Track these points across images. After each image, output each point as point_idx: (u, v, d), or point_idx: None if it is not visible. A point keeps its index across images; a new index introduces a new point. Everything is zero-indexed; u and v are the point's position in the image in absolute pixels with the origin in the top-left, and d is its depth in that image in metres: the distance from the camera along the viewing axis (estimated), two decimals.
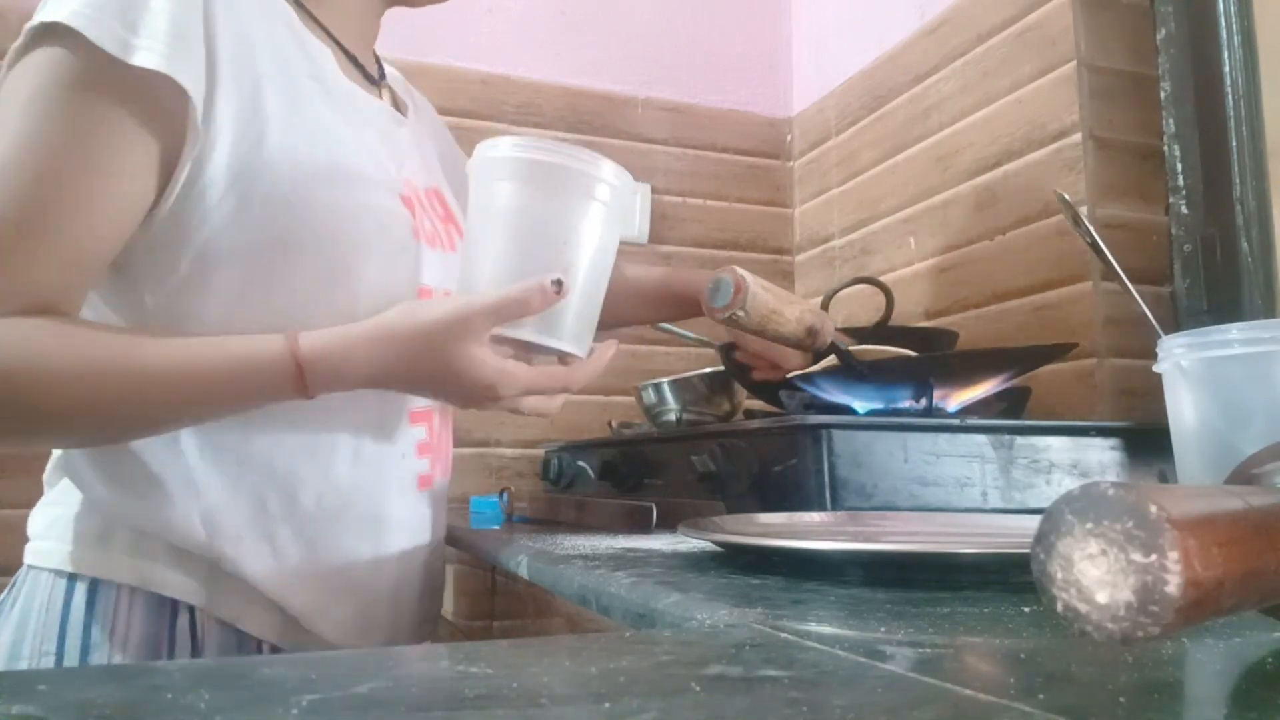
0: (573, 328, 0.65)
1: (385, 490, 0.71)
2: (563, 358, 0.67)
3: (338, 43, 0.74)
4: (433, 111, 0.96)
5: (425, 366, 0.62)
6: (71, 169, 0.57)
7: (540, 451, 1.38)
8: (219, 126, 0.60)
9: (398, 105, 0.84)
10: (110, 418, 0.59)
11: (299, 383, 0.60)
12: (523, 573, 0.65)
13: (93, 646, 0.62)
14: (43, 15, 0.56)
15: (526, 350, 0.66)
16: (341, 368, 0.61)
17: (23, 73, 0.57)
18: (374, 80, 0.80)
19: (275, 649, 0.67)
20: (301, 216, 0.64)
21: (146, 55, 0.56)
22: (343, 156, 0.67)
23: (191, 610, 0.64)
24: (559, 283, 0.61)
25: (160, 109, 0.58)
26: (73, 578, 0.64)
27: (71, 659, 0.62)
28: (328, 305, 0.65)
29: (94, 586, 0.64)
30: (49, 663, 0.62)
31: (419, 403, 0.74)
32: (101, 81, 0.57)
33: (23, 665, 0.63)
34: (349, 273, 0.66)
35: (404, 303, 0.64)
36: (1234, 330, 0.58)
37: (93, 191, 0.57)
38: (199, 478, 0.64)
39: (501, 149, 0.64)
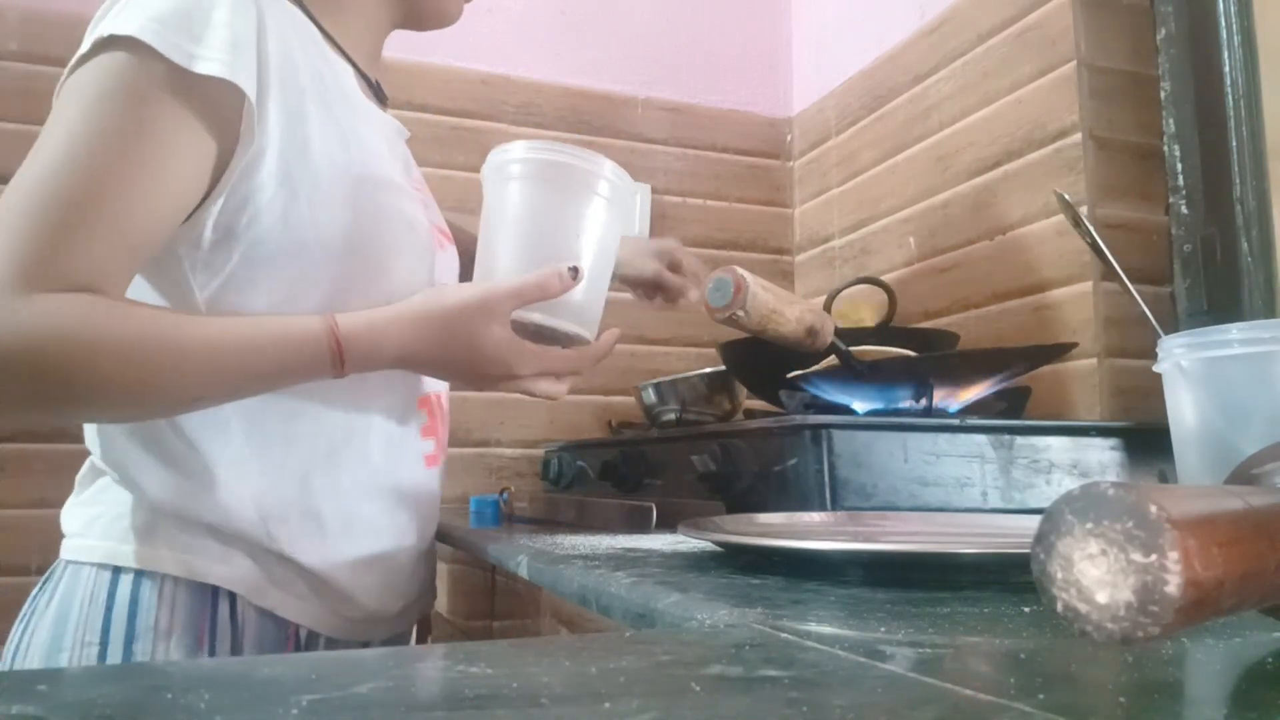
0: (582, 314, 0.71)
1: (405, 468, 0.76)
2: (569, 343, 0.72)
3: (352, 62, 0.80)
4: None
5: (450, 346, 0.67)
6: (130, 160, 0.60)
7: (540, 451, 1.38)
8: (269, 132, 0.65)
9: None
10: (151, 388, 0.61)
11: (336, 359, 0.64)
12: (523, 573, 0.65)
13: (137, 636, 0.65)
14: (111, 27, 0.61)
15: (537, 337, 0.70)
16: (375, 347, 0.66)
17: (88, 75, 0.61)
18: (382, 98, 0.85)
19: (312, 635, 0.71)
20: (343, 218, 0.69)
21: (210, 64, 0.61)
22: (374, 163, 0.73)
23: (232, 599, 0.67)
24: (575, 270, 0.67)
25: (219, 113, 0.63)
26: (117, 571, 0.67)
27: (115, 649, 0.65)
28: (364, 303, 0.69)
29: (138, 579, 0.66)
30: (92, 653, 0.65)
31: (424, 388, 0.79)
32: (165, 87, 0.61)
33: (64, 658, 0.65)
34: (383, 271, 0.71)
35: (430, 288, 0.70)
36: (1234, 330, 0.58)
37: (148, 183, 0.61)
38: (248, 462, 0.68)
39: (515, 152, 0.70)
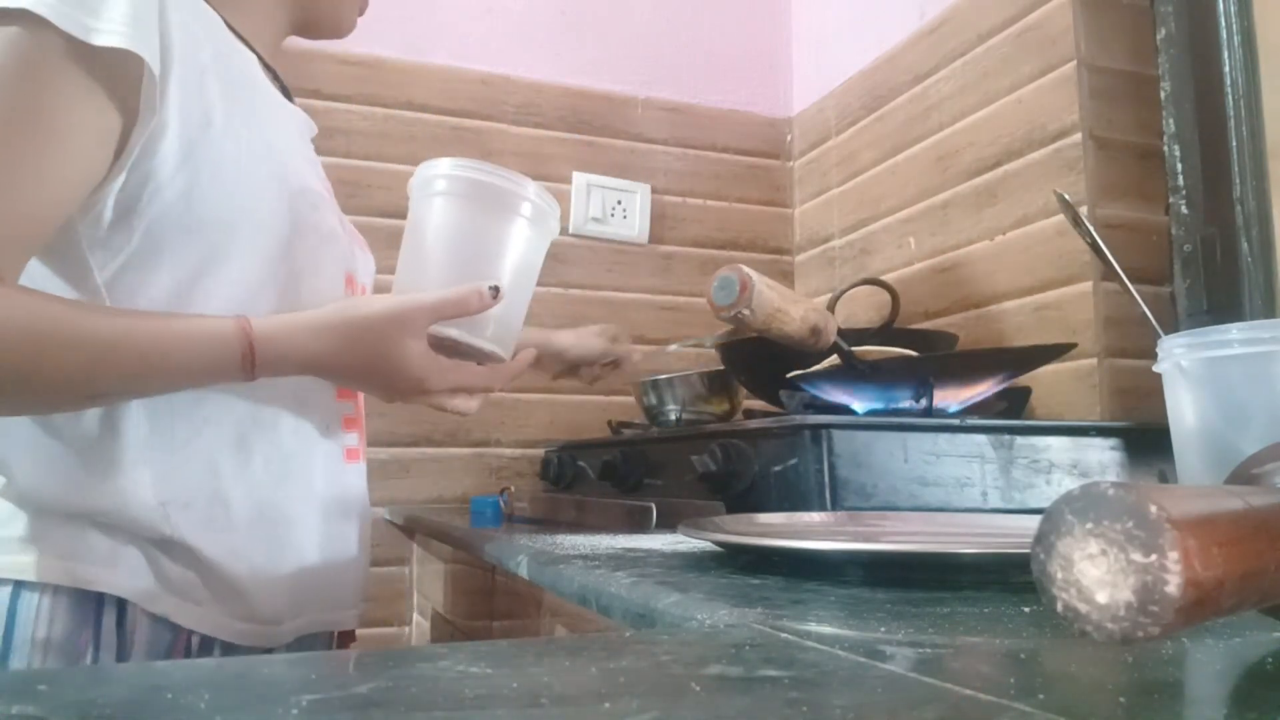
0: (499, 331, 0.72)
1: (316, 460, 0.75)
2: (484, 360, 0.73)
3: (255, 51, 0.79)
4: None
5: (364, 356, 0.66)
6: (23, 140, 0.58)
7: (540, 451, 1.38)
8: (170, 107, 0.64)
9: None
10: (39, 381, 0.58)
11: (248, 361, 0.63)
12: (523, 573, 0.65)
13: (13, 650, 0.62)
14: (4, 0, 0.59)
15: (453, 352, 0.71)
16: (287, 352, 0.65)
17: None
18: (286, 93, 0.84)
19: (206, 641, 0.68)
20: (246, 195, 0.69)
21: (109, 36, 0.59)
22: (278, 144, 0.73)
23: (120, 607, 0.65)
24: (495, 289, 0.68)
25: (119, 87, 0.61)
26: None
27: None
28: (270, 283, 0.70)
29: (16, 591, 0.63)
30: None
31: None
32: (61, 61, 0.59)
33: None
34: (289, 252, 0.71)
35: (347, 297, 0.70)
36: (1234, 330, 0.58)
37: (43, 165, 0.59)
38: (151, 446, 0.66)
39: (441, 168, 0.72)
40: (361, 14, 0.88)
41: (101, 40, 0.59)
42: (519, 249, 0.72)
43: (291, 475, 0.72)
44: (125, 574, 0.65)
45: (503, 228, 0.72)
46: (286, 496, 0.72)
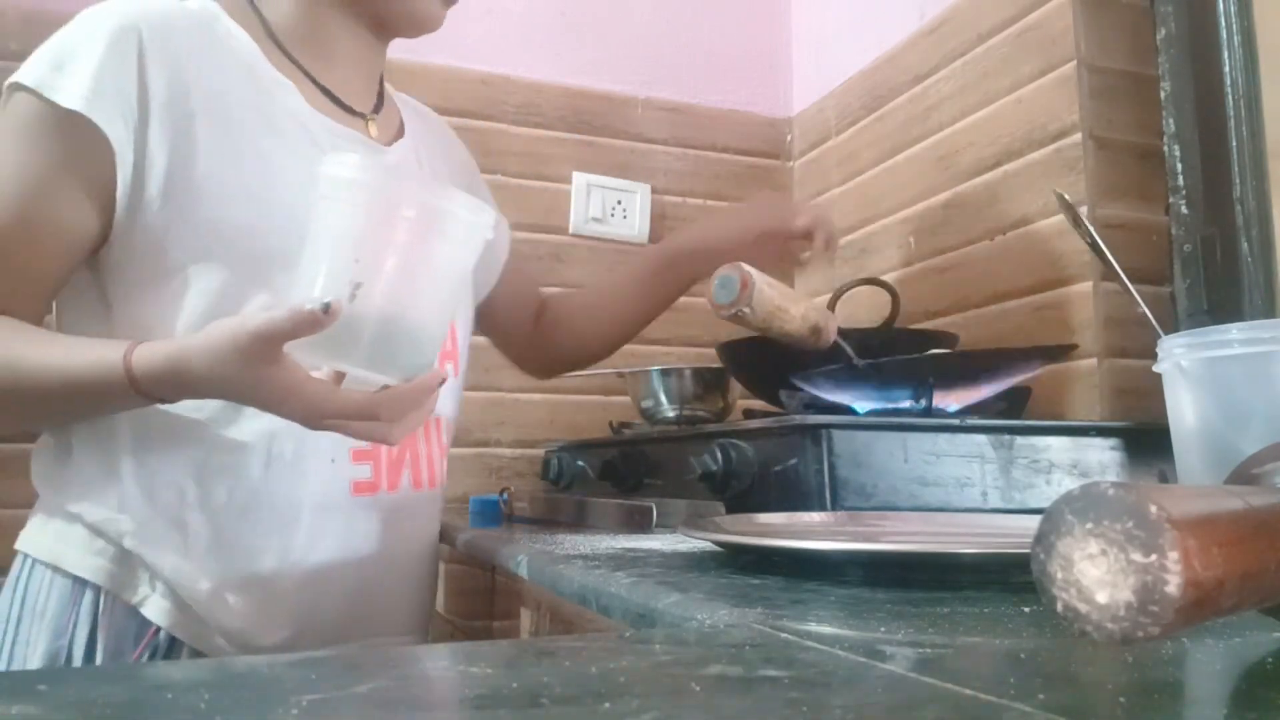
0: (369, 351, 0.60)
1: (301, 493, 0.74)
2: (380, 384, 0.64)
3: (310, 76, 0.80)
4: (461, 153, 1.05)
5: (232, 382, 0.61)
6: (19, 198, 0.67)
7: (540, 451, 1.38)
8: (154, 152, 0.69)
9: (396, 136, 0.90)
10: None
11: (138, 392, 0.64)
12: (523, 573, 0.65)
13: (24, 615, 0.71)
14: (14, 75, 0.68)
15: (342, 377, 0.64)
16: (176, 377, 0.63)
17: None
18: (354, 112, 0.84)
19: (175, 641, 0.71)
20: (220, 234, 0.70)
21: (68, 96, 0.66)
22: (273, 180, 0.73)
23: (98, 593, 0.70)
24: (327, 306, 0.57)
25: (87, 145, 0.68)
26: (25, 558, 0.74)
27: (9, 629, 0.72)
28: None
29: (32, 565, 0.73)
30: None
31: None
32: (45, 123, 0.67)
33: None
34: (265, 286, 0.71)
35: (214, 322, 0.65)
36: (1234, 330, 0.58)
37: (37, 218, 0.67)
38: (125, 464, 0.71)
39: (324, 166, 0.62)
40: (449, 4, 0.85)
41: (61, 99, 0.66)
42: (397, 254, 0.61)
43: (258, 507, 0.72)
44: (102, 564, 0.70)
45: (368, 231, 0.61)
46: (252, 530, 0.72)
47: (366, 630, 0.79)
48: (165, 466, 0.71)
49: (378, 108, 0.88)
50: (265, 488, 0.72)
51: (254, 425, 0.72)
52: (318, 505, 0.74)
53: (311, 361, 0.62)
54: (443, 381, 0.65)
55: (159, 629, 0.70)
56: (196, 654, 0.71)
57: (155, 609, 0.70)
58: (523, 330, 1.09)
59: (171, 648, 0.70)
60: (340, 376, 0.64)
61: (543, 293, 1.12)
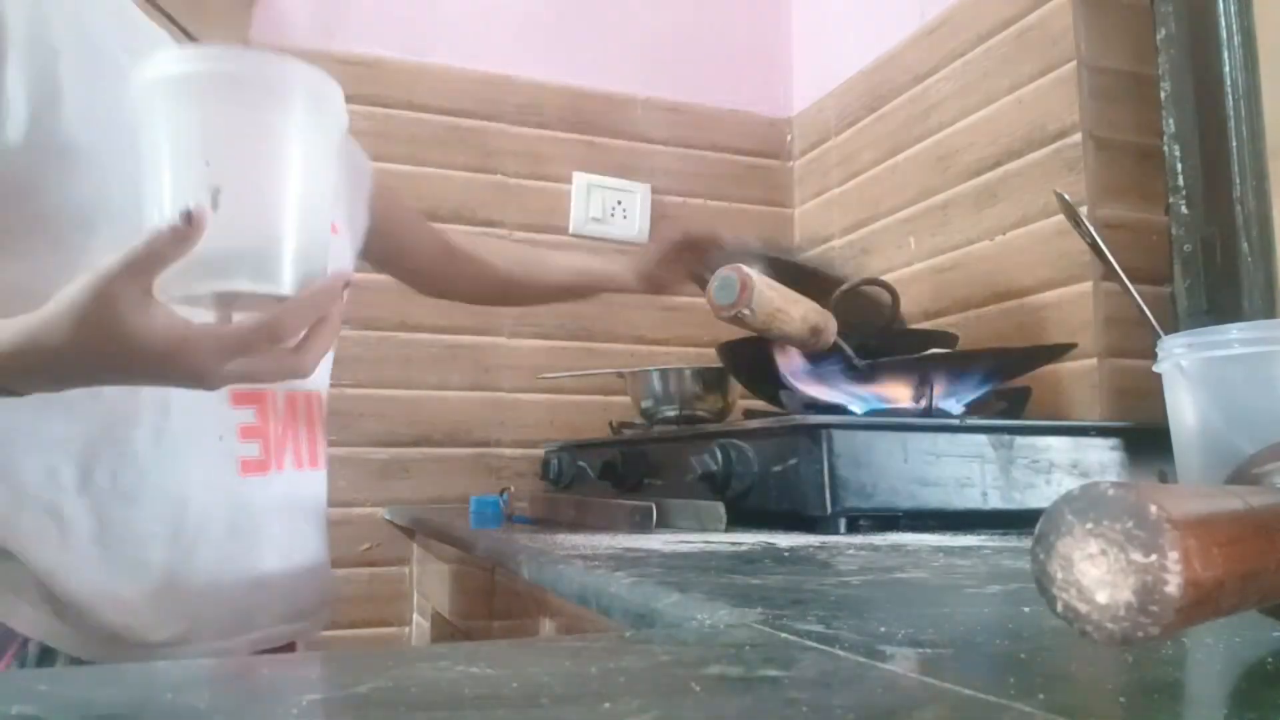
0: (255, 261, 0.52)
1: (189, 473, 0.67)
2: (265, 305, 0.54)
3: (180, 27, 0.72)
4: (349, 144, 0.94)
5: (101, 347, 0.52)
6: None
7: (540, 451, 1.38)
8: (7, 92, 0.60)
9: None
10: None
11: None
12: (523, 573, 0.65)
13: None
14: None
15: (229, 306, 0.54)
16: (30, 358, 0.53)
17: None
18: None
19: (47, 650, 0.63)
20: (103, 192, 0.61)
21: None
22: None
23: None
24: (189, 215, 0.49)
25: None
26: None
27: None
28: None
29: None
30: None
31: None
32: None
33: None
34: (113, 243, 0.60)
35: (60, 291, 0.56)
36: (1234, 330, 0.58)
37: None
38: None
39: (145, 68, 0.52)
40: None
41: None
42: (257, 148, 0.53)
43: (146, 490, 0.65)
44: None
45: (214, 127, 0.52)
46: (140, 515, 0.65)
47: (265, 620, 0.73)
48: (33, 449, 0.62)
49: None
50: (155, 467, 0.65)
51: (149, 400, 0.64)
52: (205, 486, 0.68)
53: (186, 293, 0.52)
54: (347, 284, 0.56)
55: (27, 640, 0.62)
56: (75, 661, 0.63)
57: (26, 620, 0.62)
58: (435, 269, 1.08)
59: (44, 657, 0.63)
60: (223, 316, 0.55)
61: (441, 231, 1.09)
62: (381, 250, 1.00)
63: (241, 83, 0.52)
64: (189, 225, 0.49)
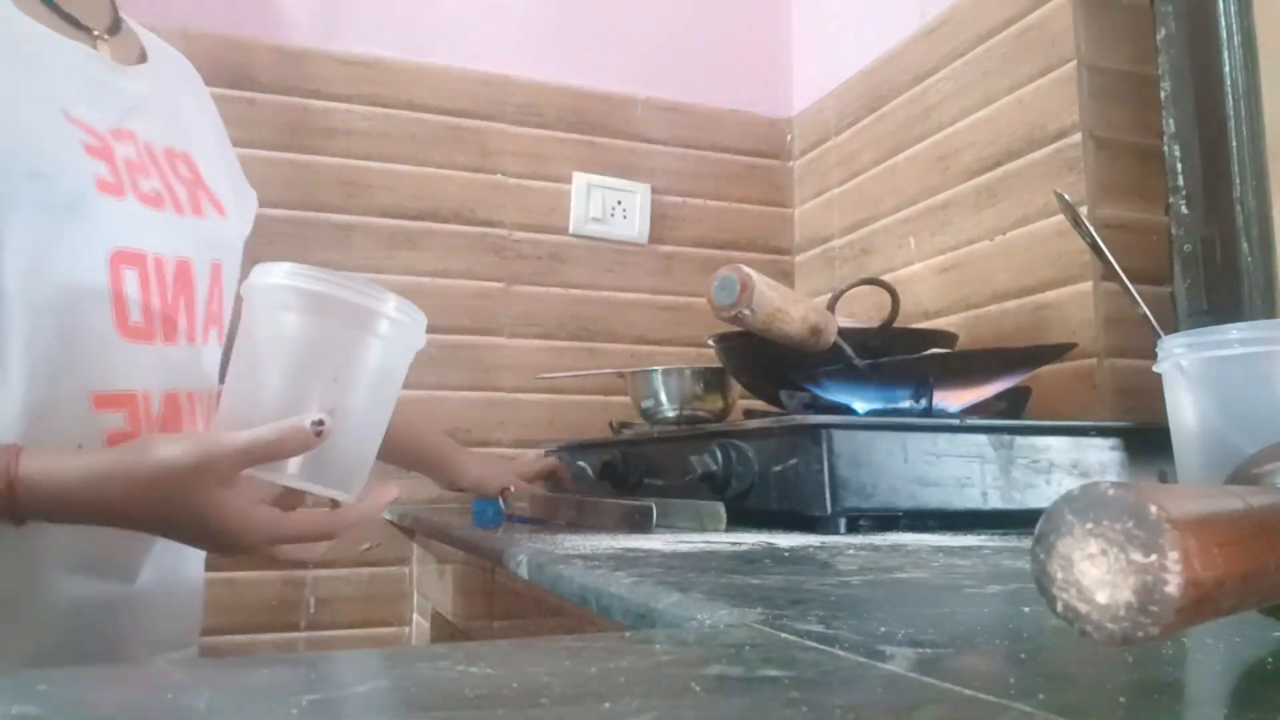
0: (339, 470, 0.60)
1: None
2: (326, 503, 0.62)
3: None
4: (213, 113, 0.90)
5: (156, 509, 0.55)
6: None
7: (540, 451, 1.38)
8: None
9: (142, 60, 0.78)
10: None
11: (8, 506, 0.54)
12: (523, 573, 0.65)
13: None
14: None
15: (290, 491, 0.61)
16: (63, 498, 0.55)
17: None
18: (80, 25, 0.72)
19: None
20: None
21: None
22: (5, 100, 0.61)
23: None
24: (320, 423, 0.55)
25: None
26: None
27: None
28: None
29: None
30: None
31: (116, 383, 0.66)
32: None
33: None
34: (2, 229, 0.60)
35: (145, 436, 0.59)
36: (1234, 330, 0.58)
37: None
38: None
39: (276, 275, 0.60)
40: None
41: None
42: (368, 374, 0.60)
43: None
44: None
45: (347, 349, 0.60)
46: None
47: (137, 648, 0.70)
48: None
49: (114, 30, 0.75)
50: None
51: (12, 406, 0.61)
52: None
53: (268, 477, 0.58)
54: (395, 498, 0.63)
55: None
56: None
57: None
58: None
59: None
60: (290, 497, 0.60)
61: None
62: None
63: (372, 315, 0.60)
64: (319, 433, 0.54)
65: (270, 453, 0.55)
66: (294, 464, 0.58)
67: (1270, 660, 0.31)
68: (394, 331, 0.61)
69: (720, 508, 0.81)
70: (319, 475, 0.59)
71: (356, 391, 0.60)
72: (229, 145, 0.91)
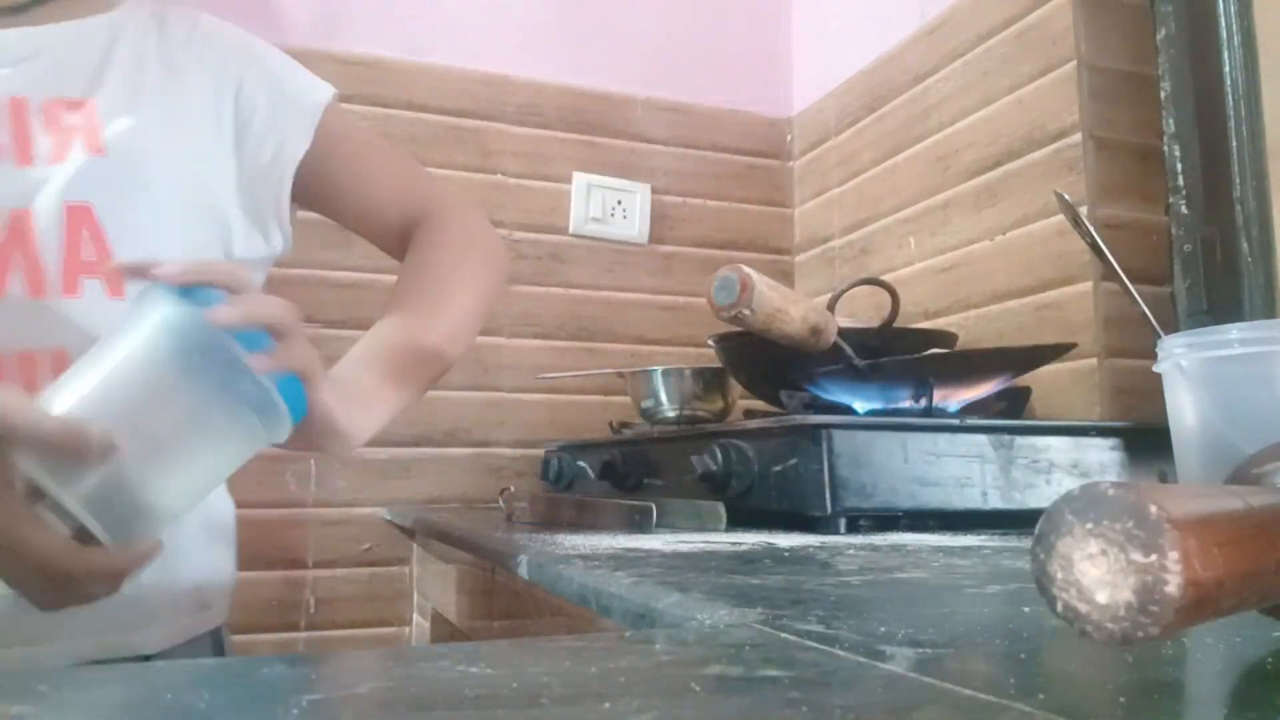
0: (108, 503, 0.51)
1: None
2: (82, 535, 0.51)
3: None
4: (230, 44, 0.80)
5: None
6: None
7: (540, 451, 1.38)
8: None
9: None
10: None
11: None
12: (523, 573, 0.65)
13: None
14: None
15: (62, 520, 0.52)
16: None
17: None
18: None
19: None
20: None
21: None
22: None
23: None
24: (110, 444, 0.48)
25: None
26: None
27: None
28: None
29: None
30: None
31: None
32: None
33: None
34: None
35: None
36: (1234, 330, 0.58)
37: None
38: None
39: (162, 300, 0.53)
40: None
41: None
42: (207, 425, 0.54)
43: None
44: None
45: (201, 409, 0.53)
46: None
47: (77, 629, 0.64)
48: None
49: None
50: None
51: None
52: None
53: (33, 476, 0.49)
54: (155, 554, 0.53)
55: None
56: None
57: None
58: (388, 240, 0.90)
59: None
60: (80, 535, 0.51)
61: (414, 210, 0.89)
62: (309, 200, 0.84)
63: (211, 371, 0.52)
64: (100, 451, 0.47)
65: (46, 442, 0.47)
66: (59, 471, 0.49)
67: (1270, 660, 0.31)
68: (262, 423, 0.54)
69: (720, 508, 0.81)
70: (73, 487, 0.50)
71: (162, 433, 0.53)
72: (262, 68, 0.81)
